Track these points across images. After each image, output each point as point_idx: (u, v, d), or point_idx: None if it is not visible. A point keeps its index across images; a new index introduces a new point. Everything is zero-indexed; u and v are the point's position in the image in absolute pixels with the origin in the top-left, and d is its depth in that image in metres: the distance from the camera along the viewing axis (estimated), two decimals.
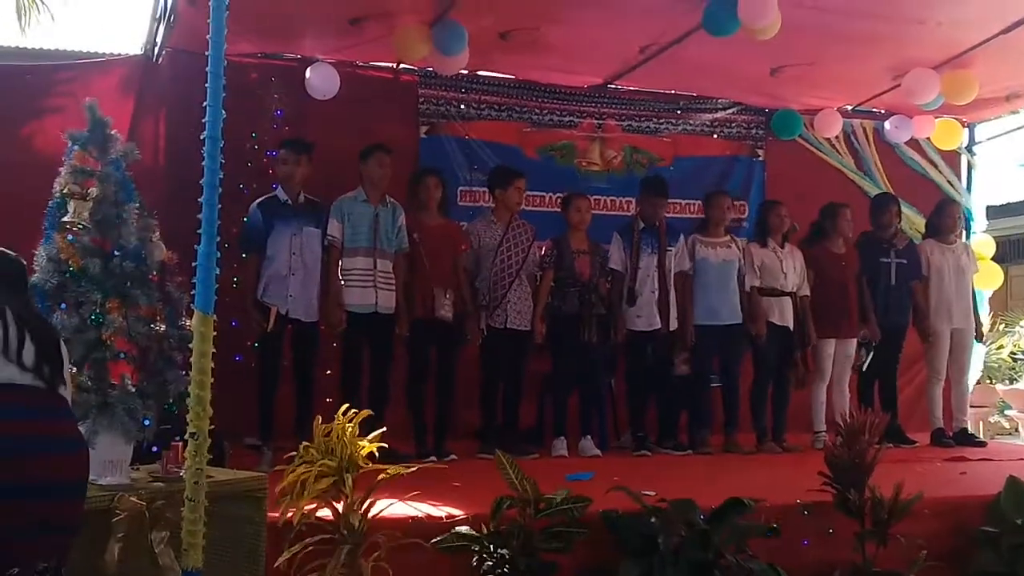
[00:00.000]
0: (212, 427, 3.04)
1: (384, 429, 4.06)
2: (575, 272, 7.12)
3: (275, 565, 3.77)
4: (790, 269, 7.58)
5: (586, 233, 7.29)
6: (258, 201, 6.49)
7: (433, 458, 6.32)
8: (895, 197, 8.27)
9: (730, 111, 8.97)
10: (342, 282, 6.54)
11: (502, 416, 7.09)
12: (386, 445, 3.96)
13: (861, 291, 7.83)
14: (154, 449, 3.90)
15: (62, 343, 3.07)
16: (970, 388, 8.54)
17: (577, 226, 7.23)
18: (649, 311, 7.26)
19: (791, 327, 7.56)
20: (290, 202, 6.48)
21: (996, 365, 11.32)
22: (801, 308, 7.60)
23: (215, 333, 3.06)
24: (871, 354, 7.85)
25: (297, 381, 6.49)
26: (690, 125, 8.88)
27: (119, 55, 7.42)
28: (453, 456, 6.54)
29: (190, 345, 3.11)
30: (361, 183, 6.67)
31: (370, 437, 3.90)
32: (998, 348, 11.41)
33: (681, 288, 7.38)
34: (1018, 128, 9.87)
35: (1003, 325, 11.97)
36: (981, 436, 8.79)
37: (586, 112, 8.60)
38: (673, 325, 7.31)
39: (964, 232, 9.37)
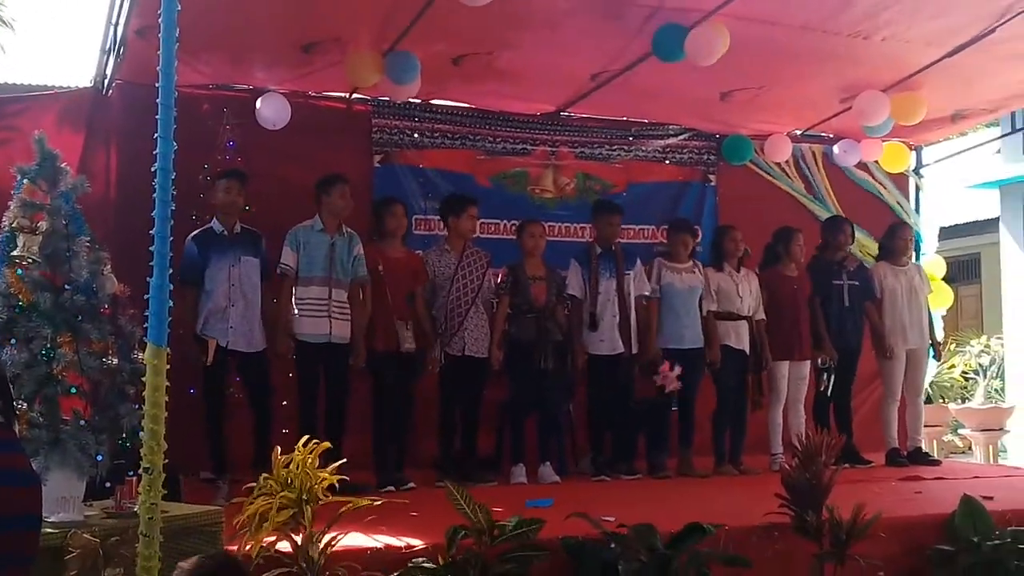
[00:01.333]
0: (166, 461, 3.00)
1: (344, 460, 4.03)
2: (531, 298, 7.13)
3: None
4: (746, 293, 7.65)
5: (541, 259, 7.30)
6: (192, 235, 6.39)
7: (391, 488, 6.28)
8: (847, 220, 8.37)
9: (681, 137, 9.04)
10: (295, 312, 6.50)
11: (460, 444, 7.07)
12: (347, 478, 3.93)
13: (815, 314, 7.91)
14: (107, 484, 3.85)
15: (7, 377, 3.02)
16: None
17: (532, 252, 7.25)
18: (611, 335, 7.27)
19: (747, 350, 7.62)
20: (226, 233, 6.43)
21: (948, 384, 11.47)
22: (757, 331, 7.66)
23: (168, 366, 3.03)
24: (832, 376, 7.92)
25: (253, 412, 6.43)
26: (642, 151, 8.93)
27: (68, 88, 7.35)
28: (412, 484, 6.50)
29: (143, 378, 3.07)
30: (319, 212, 6.64)
31: (330, 469, 3.87)
32: (950, 367, 11.57)
33: (644, 311, 7.41)
34: (964, 150, 10.07)
35: (954, 344, 12.14)
36: (935, 455, 8.88)
37: (539, 139, 8.63)
38: (635, 348, 7.33)
39: (915, 254, 9.51)
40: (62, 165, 3.89)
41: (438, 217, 7.66)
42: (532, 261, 7.25)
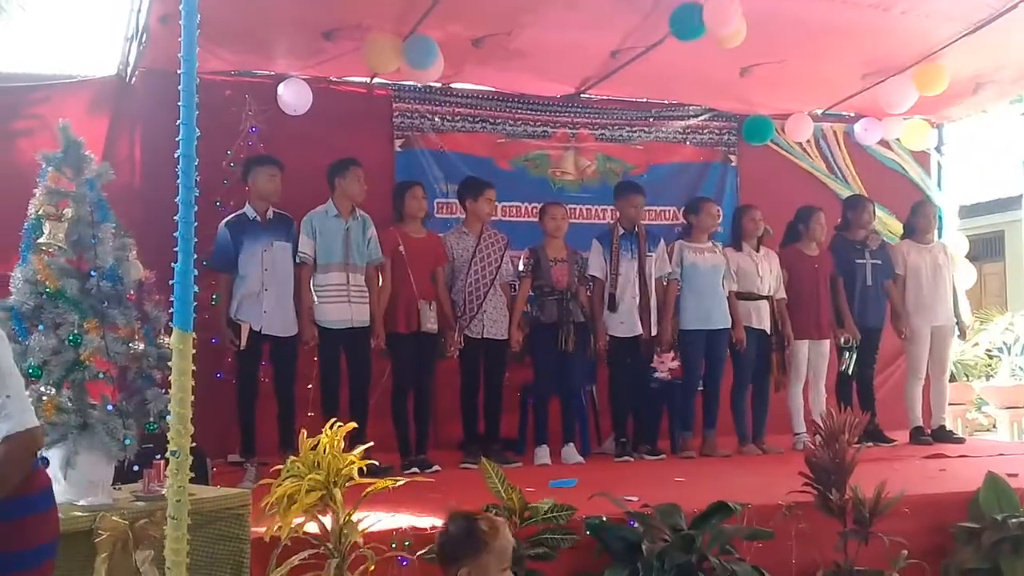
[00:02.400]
0: (193, 445, 3.04)
1: (371, 444, 4.07)
2: (553, 280, 7.13)
3: None
4: (766, 272, 7.64)
5: (563, 241, 7.31)
6: (226, 220, 6.47)
7: (416, 470, 6.33)
8: (868, 198, 8.34)
9: (702, 118, 9.03)
10: (315, 299, 6.54)
11: (483, 426, 7.10)
12: (376, 461, 3.97)
13: (836, 293, 7.89)
14: (135, 468, 3.90)
15: None
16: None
17: (553, 234, 7.25)
18: (630, 317, 7.27)
19: (768, 330, 7.61)
20: (259, 218, 6.49)
21: (972, 362, 11.43)
22: (778, 311, 7.66)
23: (194, 351, 3.06)
24: (854, 355, 7.91)
25: (278, 397, 6.48)
26: (663, 133, 8.92)
27: (92, 77, 7.40)
28: (436, 468, 6.54)
29: (169, 363, 3.11)
30: (332, 197, 6.67)
31: (357, 451, 3.91)
32: (974, 345, 11.52)
33: (664, 292, 7.42)
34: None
35: (978, 322, 12.08)
36: (959, 433, 8.86)
37: (559, 122, 8.64)
38: (655, 330, 7.34)
39: (937, 232, 9.47)
40: (87, 153, 3.92)
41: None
42: (554, 243, 7.26)
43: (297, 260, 6.53)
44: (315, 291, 6.56)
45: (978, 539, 4.97)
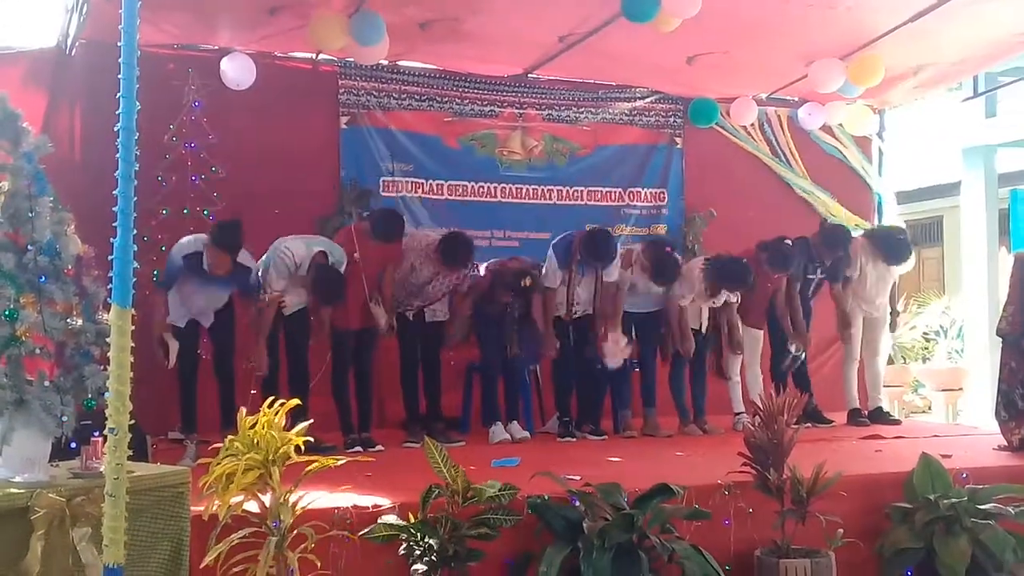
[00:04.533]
0: (132, 422, 3.00)
1: (311, 421, 4.05)
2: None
3: (203, 560, 3.75)
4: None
5: None
6: (185, 254, 6.20)
7: (359, 448, 6.32)
8: (850, 238, 8.19)
9: (648, 100, 9.06)
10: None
11: (425, 405, 7.10)
12: (312, 439, 3.95)
13: (793, 304, 7.92)
14: (73, 445, 3.85)
15: None
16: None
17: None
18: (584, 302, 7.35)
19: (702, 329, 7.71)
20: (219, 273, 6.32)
21: (910, 345, 11.61)
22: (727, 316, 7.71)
23: (134, 327, 3.03)
24: (799, 361, 8.06)
25: (217, 375, 6.45)
26: (609, 114, 8.94)
27: (30, 48, 7.25)
28: (380, 447, 6.53)
29: (108, 339, 3.07)
30: None
31: (296, 430, 3.89)
32: (911, 328, 11.70)
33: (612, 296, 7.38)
34: None
35: (916, 306, 12.27)
36: (896, 415, 9.01)
37: (507, 101, 8.62)
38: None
39: (877, 217, 9.62)
40: (24, 125, 3.84)
41: (406, 179, 7.70)
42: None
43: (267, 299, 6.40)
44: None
45: (912, 519, 5.06)
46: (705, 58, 7.79)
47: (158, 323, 6.21)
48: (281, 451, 3.80)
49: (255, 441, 3.82)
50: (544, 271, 7.24)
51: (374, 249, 6.67)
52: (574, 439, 7.21)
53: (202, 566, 3.77)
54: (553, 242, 7.35)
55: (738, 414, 7.74)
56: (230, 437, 3.86)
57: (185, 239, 6.33)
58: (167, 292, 6.29)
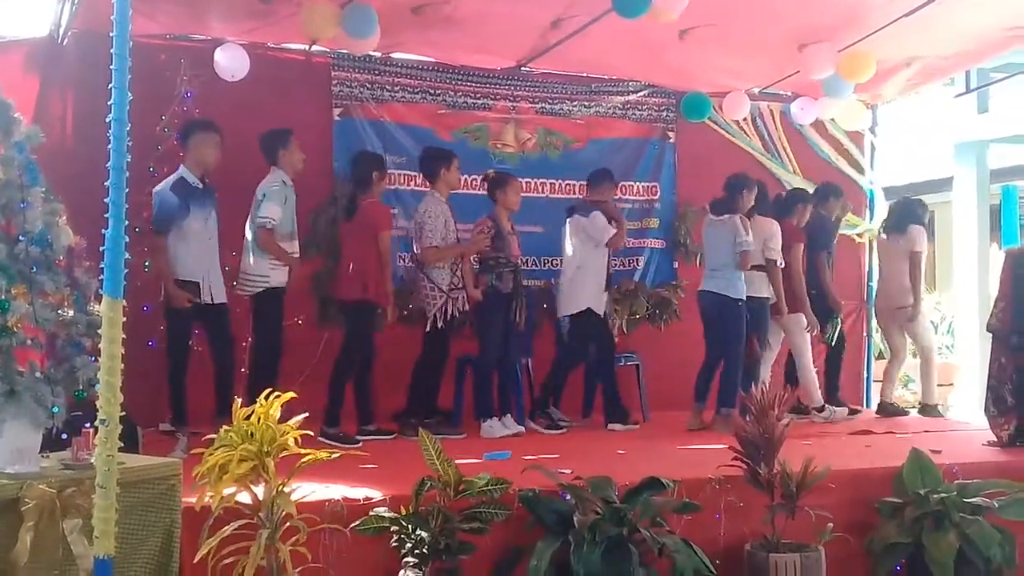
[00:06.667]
0: (123, 413, 3.00)
1: (307, 414, 4.05)
2: (510, 251, 7.23)
3: (195, 552, 3.75)
4: None
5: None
6: (169, 183, 6.37)
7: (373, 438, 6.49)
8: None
9: (641, 94, 9.05)
10: (269, 266, 6.62)
11: (421, 398, 7.13)
12: (310, 432, 3.96)
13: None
14: (64, 436, 3.84)
15: None
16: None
17: (511, 207, 7.36)
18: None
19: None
20: (199, 185, 6.44)
21: None
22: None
23: (125, 318, 3.03)
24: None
25: (216, 365, 6.49)
26: (602, 108, 8.93)
27: (22, 37, 7.21)
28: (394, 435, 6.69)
29: (99, 331, 3.07)
30: (279, 166, 6.67)
31: (293, 422, 3.89)
32: None
33: None
34: None
35: None
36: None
37: (500, 94, 8.60)
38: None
39: (870, 212, 9.64)
40: (15, 115, 3.83)
41: (399, 171, 7.72)
42: (507, 215, 7.32)
43: (265, 225, 6.51)
44: (269, 259, 6.58)
45: (901, 514, 5.09)
46: (697, 31, 7.54)
47: (165, 274, 6.29)
48: (277, 443, 3.80)
49: (250, 432, 3.82)
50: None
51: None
52: (565, 431, 7.25)
53: (195, 561, 3.77)
54: None
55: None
56: (225, 428, 3.86)
57: (162, 183, 6.44)
58: (166, 237, 6.31)
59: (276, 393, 3.91)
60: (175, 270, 6.31)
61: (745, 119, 9.26)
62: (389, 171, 7.84)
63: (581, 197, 8.11)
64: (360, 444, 6.36)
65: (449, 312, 7.03)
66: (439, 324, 7.01)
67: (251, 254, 6.63)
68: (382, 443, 6.53)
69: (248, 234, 6.68)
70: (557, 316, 7.79)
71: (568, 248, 7.69)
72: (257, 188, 6.66)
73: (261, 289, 6.58)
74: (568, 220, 7.72)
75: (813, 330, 8.04)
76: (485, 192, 7.49)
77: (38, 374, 3.66)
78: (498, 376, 7.27)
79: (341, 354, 6.81)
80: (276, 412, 3.87)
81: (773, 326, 8.04)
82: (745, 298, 7.48)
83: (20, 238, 3.70)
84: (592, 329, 7.59)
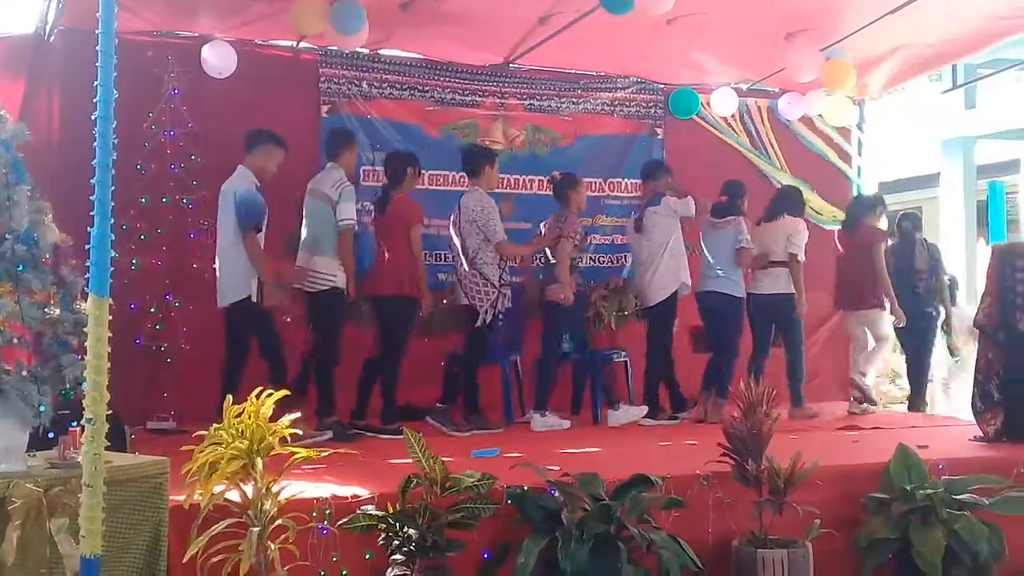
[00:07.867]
0: (110, 412, 3.00)
1: (299, 415, 4.05)
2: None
3: (184, 550, 3.74)
4: None
5: None
6: (246, 183, 6.38)
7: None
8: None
9: (629, 90, 9.06)
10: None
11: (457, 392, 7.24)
12: (299, 431, 3.96)
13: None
14: (51, 435, 3.83)
15: None
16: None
17: (579, 207, 7.70)
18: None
19: None
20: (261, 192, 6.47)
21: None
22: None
23: (111, 317, 3.02)
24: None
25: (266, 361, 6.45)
26: (591, 104, 8.94)
27: (8, 35, 7.19)
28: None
29: (85, 329, 3.06)
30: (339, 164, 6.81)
31: (283, 421, 3.89)
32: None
33: None
34: None
35: None
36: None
37: (488, 91, 8.61)
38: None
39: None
40: (1, 112, 3.82)
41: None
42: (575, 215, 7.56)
43: (350, 226, 6.62)
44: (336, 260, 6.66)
45: (888, 509, 5.09)
46: (685, 20, 7.46)
47: (265, 271, 6.31)
48: (267, 441, 3.79)
49: (240, 430, 3.81)
50: None
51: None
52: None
53: (184, 560, 3.76)
54: None
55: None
56: (216, 426, 3.85)
57: (229, 184, 6.40)
58: (256, 233, 6.34)
59: (268, 392, 3.90)
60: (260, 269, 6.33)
61: (733, 116, 9.29)
62: (377, 168, 7.86)
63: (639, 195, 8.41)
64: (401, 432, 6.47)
65: (498, 307, 7.11)
66: (488, 319, 7.07)
67: (316, 253, 6.63)
68: (370, 441, 6.51)
69: (304, 232, 6.71)
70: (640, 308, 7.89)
71: (647, 239, 7.79)
72: (312, 185, 6.71)
73: (327, 287, 6.59)
74: (648, 209, 7.80)
75: (900, 322, 8.26)
76: (551, 192, 7.70)
77: (25, 373, 3.65)
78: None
79: (382, 349, 6.89)
80: (267, 410, 3.86)
81: (858, 317, 8.38)
82: (746, 295, 7.88)
83: (6, 236, 3.69)
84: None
